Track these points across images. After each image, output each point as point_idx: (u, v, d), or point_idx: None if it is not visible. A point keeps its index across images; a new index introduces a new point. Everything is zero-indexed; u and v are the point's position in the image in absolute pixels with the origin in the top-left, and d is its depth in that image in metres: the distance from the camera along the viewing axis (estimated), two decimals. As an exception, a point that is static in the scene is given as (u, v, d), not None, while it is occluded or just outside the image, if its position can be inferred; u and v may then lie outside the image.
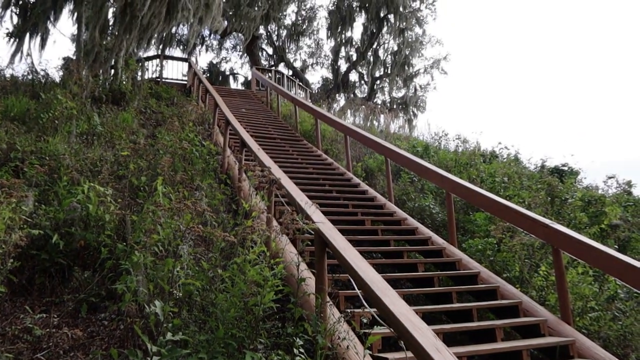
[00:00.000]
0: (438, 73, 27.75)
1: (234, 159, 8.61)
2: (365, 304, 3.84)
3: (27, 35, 13.30)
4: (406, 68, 27.08)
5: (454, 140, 14.68)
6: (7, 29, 12.08)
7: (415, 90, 27.58)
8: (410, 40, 26.71)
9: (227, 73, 28.23)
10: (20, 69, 20.97)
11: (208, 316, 3.94)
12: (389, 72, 27.12)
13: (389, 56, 27.12)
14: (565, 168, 12.92)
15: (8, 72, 11.71)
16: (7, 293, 4.14)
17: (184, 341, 3.42)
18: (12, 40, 12.47)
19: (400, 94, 27.77)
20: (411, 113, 27.14)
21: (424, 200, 8.89)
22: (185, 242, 3.87)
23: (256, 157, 6.71)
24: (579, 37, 68.20)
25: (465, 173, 10.27)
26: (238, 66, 35.97)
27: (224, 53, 28.81)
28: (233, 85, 27.38)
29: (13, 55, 12.30)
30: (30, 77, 11.56)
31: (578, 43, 67.96)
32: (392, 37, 26.87)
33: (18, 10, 12.55)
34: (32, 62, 12.36)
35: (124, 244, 4.74)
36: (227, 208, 6.55)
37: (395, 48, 26.82)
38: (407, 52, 26.73)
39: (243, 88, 24.91)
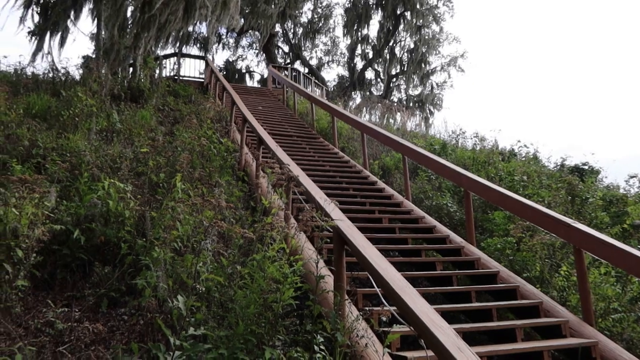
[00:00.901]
0: (455, 71, 27.56)
1: (252, 157, 8.64)
2: (385, 301, 3.83)
3: (48, 33, 13.51)
4: (423, 66, 26.91)
5: (471, 139, 14.56)
6: (28, 27, 12.27)
7: (432, 88, 27.40)
8: (427, 37, 26.52)
9: (244, 71, 28.35)
10: (41, 67, 21.26)
11: (227, 312, 3.96)
12: (406, 69, 26.96)
13: (406, 54, 26.98)
14: (586, 167, 12.71)
15: (29, 70, 11.89)
16: (30, 287, 4.21)
17: (204, 336, 3.44)
18: (33, 38, 12.67)
19: (416, 92, 27.62)
20: (428, 111, 26.98)
21: (442, 198, 8.81)
22: (208, 237, 3.88)
23: (274, 154, 6.72)
24: (597, 30, 67.05)
25: (484, 171, 10.17)
26: (254, 64, 36.11)
27: (240, 51, 28.93)
28: (249, 83, 27.50)
29: (34, 54, 12.51)
30: (51, 75, 11.71)
31: (596, 37, 66.81)
32: (408, 34, 26.73)
33: (39, 9, 12.74)
34: (53, 60, 12.54)
35: (144, 239, 4.78)
36: (245, 205, 6.56)
37: (412, 45, 26.66)
38: (423, 50, 26.55)
39: (259, 86, 24.98)
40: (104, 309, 4.29)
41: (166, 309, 4.05)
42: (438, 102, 27.24)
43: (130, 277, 4.48)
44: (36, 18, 12.36)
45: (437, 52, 27.32)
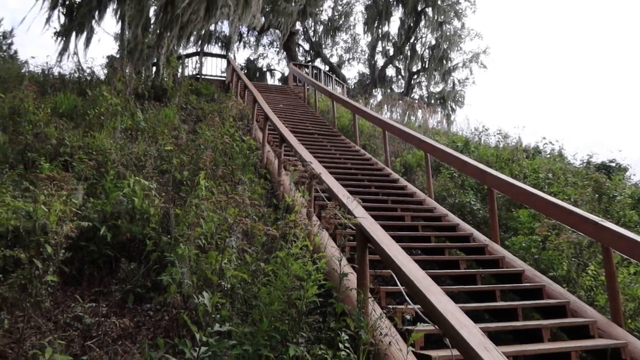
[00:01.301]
0: (477, 67, 27.23)
1: (273, 154, 8.67)
2: (409, 300, 3.80)
3: (73, 34, 13.76)
4: (444, 62, 26.65)
5: (494, 136, 14.35)
6: (54, 28, 12.51)
7: (454, 84, 27.13)
8: (448, 33, 26.25)
9: (265, 69, 28.48)
10: (67, 67, 21.71)
11: (251, 309, 3.98)
12: (427, 66, 26.74)
13: (427, 50, 26.76)
14: (613, 164, 12.41)
15: (56, 70, 12.13)
16: (59, 282, 4.29)
17: (228, 332, 3.46)
18: (59, 39, 12.92)
19: (438, 89, 27.38)
20: (449, 108, 26.72)
21: (465, 196, 8.71)
22: (233, 234, 3.91)
23: (296, 152, 6.73)
24: (619, 24, 65.34)
25: (507, 169, 10.02)
26: (275, 62, 36.28)
27: (261, 49, 29.07)
28: (270, 81, 27.61)
29: (61, 54, 12.75)
30: (77, 74, 11.94)
31: (616, 31, 65.13)
32: (430, 31, 26.50)
33: (64, 10, 12.99)
34: (79, 60, 12.77)
35: (168, 236, 4.84)
36: (267, 203, 6.59)
37: (433, 42, 26.43)
38: (445, 46, 26.28)
39: (280, 84, 25.06)
40: (130, 305, 4.35)
41: (191, 305, 4.10)
42: (460, 99, 26.96)
43: (156, 274, 4.54)
44: (62, 19, 12.60)
45: (459, 48, 27.04)
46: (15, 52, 20.47)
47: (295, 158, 7.12)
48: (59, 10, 12.81)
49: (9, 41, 20.57)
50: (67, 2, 13.06)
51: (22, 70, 11.96)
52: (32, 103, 7.86)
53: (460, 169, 8.34)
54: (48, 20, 12.34)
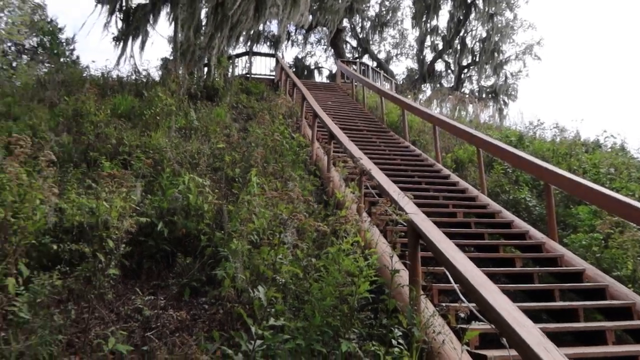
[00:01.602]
0: (530, 59, 26.20)
1: (323, 151, 8.70)
2: (462, 297, 3.72)
3: (130, 38, 14.33)
4: (496, 55, 25.81)
5: (550, 129, 13.77)
6: (112, 33, 13.09)
7: (506, 78, 26.24)
8: (500, 25, 25.40)
9: (312, 67, 28.62)
10: (124, 69, 22.67)
11: (302, 304, 4.01)
12: (477, 60, 25.99)
13: (477, 43, 26.02)
14: (683, 158, 11.64)
15: (114, 73, 12.68)
16: (120, 276, 4.49)
17: (281, 327, 3.50)
18: (117, 43, 13.51)
19: (489, 83, 26.57)
20: (501, 102, 25.89)
21: (519, 192, 8.43)
22: (287, 229, 3.96)
23: (345, 148, 6.73)
24: (697, 12, 60.96)
25: (565, 164, 9.60)
26: (322, 60, 36.37)
27: (308, 47, 29.20)
28: (318, 78, 27.71)
29: (119, 58, 13.33)
30: (133, 77, 12.43)
31: (695, 19, 60.79)
32: (480, 23, 25.75)
33: (122, 15, 13.56)
34: (135, 63, 13.31)
35: (222, 232, 4.96)
36: (317, 199, 6.63)
37: (484, 35, 25.65)
38: (496, 39, 25.46)
39: (328, 81, 25.11)
40: (186, 298, 4.50)
41: (244, 299, 4.18)
42: (512, 93, 26.05)
43: (210, 268, 4.67)
44: (119, 24, 13.17)
45: (511, 40, 26.12)
46: (78, 57, 21.56)
47: (344, 154, 7.11)
48: (116, 16, 13.40)
49: (72, 47, 21.72)
50: (124, 8, 13.63)
51: (84, 75, 12.57)
52: (93, 105, 8.26)
53: (514, 164, 8.07)
54: (106, 25, 12.92)
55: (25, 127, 7.50)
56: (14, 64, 18.88)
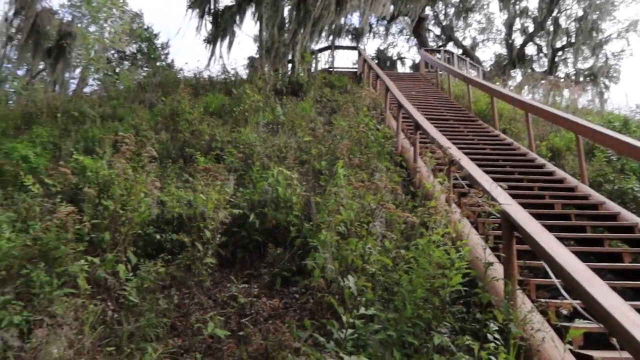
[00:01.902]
0: (635, 36, 23.93)
1: (408, 142, 8.56)
2: (564, 293, 3.50)
3: (219, 40, 14.98)
4: (594, 34, 23.81)
5: (662, 112, 12.51)
6: (203, 36, 13.77)
7: (606, 58, 24.17)
8: (598, 2, 23.39)
9: (395, 58, 28.20)
10: (214, 69, 23.79)
11: (391, 295, 3.99)
12: (573, 41, 24.16)
13: (573, 23, 24.20)
14: None
15: (205, 74, 13.34)
16: (216, 264, 4.72)
17: (371, 317, 3.50)
18: (208, 45, 14.20)
19: (587, 65, 24.62)
20: (601, 85, 23.89)
21: (626, 182, 7.74)
22: (376, 219, 3.95)
23: (432, 138, 6.57)
24: None
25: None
26: (405, 50, 35.87)
27: (390, 38, 28.81)
28: (400, 69, 27.27)
29: (209, 59, 14.01)
30: (222, 76, 13.00)
31: None
32: (575, 1, 23.91)
33: (211, 18, 14.22)
34: (224, 63, 13.93)
35: (310, 223, 5.05)
36: (404, 190, 6.54)
37: (580, 13, 23.78)
38: (594, 17, 23.48)
39: (411, 71, 24.64)
40: (278, 287, 4.64)
41: (333, 289, 4.23)
42: (614, 74, 23.94)
43: (300, 258, 4.78)
44: (209, 27, 13.82)
45: (612, 17, 23.99)
46: (172, 60, 22.95)
47: (431, 145, 6.95)
48: (205, 19, 14.08)
49: (166, 51, 23.14)
50: (212, 10, 14.27)
51: (178, 76, 13.35)
52: (187, 104, 8.76)
53: (620, 151, 7.42)
54: (197, 28, 13.61)
55: (129, 126, 8.12)
56: (117, 70, 20.49)
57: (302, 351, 3.28)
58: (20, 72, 18.80)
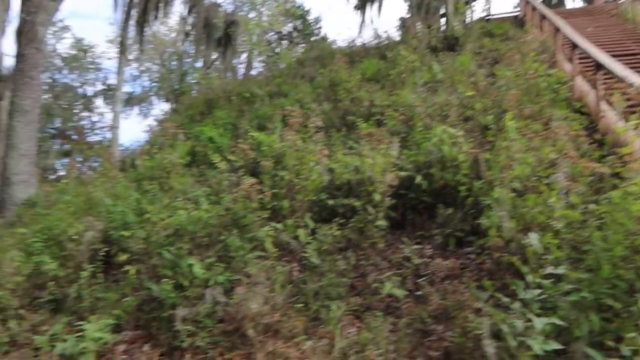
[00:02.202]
0: None
1: (588, 85, 7.58)
2: None
3: (368, 4, 14.89)
4: None
5: None
6: (352, 3, 13.82)
7: None
8: None
9: (563, -7, 24.93)
10: (366, 36, 23.89)
11: (580, 254, 3.63)
12: None
13: None
14: None
15: (358, 41, 13.42)
16: (387, 227, 4.80)
17: (559, 276, 3.24)
18: (357, 12, 14.26)
19: None
20: None
21: None
22: (558, 170, 3.62)
23: (620, 76, 5.71)
24: None
25: None
26: (574, -18, 31.34)
27: (556, -29, 25.44)
28: (570, 5, 24.09)
29: (360, 25, 14.08)
30: (375, 41, 12.94)
31: None
32: None
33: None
34: (375, 28, 13.85)
35: (480, 181, 4.82)
36: (587, 139, 5.84)
37: None
38: None
39: (584, 5, 21.61)
40: (451, 248, 4.56)
41: (512, 249, 4.00)
42: None
43: (472, 218, 4.61)
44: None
45: None
46: (325, 34, 23.62)
47: (617, 85, 6.04)
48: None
49: (319, 26, 23.88)
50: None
51: (333, 48, 13.66)
52: (344, 73, 8.95)
53: None
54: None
55: (294, 101, 8.60)
56: (277, 50, 21.78)
57: (485, 311, 3.18)
58: (198, 64, 21.16)
